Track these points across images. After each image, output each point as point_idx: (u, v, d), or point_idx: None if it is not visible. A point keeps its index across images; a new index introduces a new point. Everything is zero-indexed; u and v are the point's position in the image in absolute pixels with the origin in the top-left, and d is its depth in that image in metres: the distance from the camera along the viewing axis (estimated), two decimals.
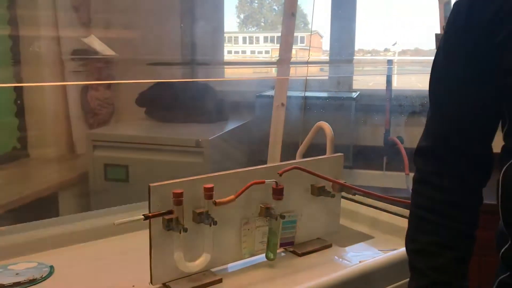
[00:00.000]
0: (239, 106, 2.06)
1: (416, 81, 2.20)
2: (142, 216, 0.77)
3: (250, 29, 2.64)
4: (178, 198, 0.79)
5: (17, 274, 0.89)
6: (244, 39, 2.59)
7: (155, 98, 1.94)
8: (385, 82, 1.88)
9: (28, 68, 1.86)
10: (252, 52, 2.58)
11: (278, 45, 2.54)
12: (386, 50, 2.22)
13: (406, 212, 1.12)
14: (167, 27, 2.21)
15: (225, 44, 2.36)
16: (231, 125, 1.88)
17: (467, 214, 0.71)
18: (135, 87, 2.10)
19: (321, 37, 2.24)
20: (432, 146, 0.72)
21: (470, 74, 0.67)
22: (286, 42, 1.33)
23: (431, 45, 2.21)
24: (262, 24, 2.69)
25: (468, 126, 0.70)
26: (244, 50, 2.58)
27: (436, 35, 0.92)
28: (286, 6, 1.33)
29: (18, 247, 0.97)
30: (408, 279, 0.92)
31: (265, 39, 2.62)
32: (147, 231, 1.05)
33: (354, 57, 2.11)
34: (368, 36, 2.16)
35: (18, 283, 0.86)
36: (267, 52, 2.56)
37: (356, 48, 2.13)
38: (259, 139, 1.77)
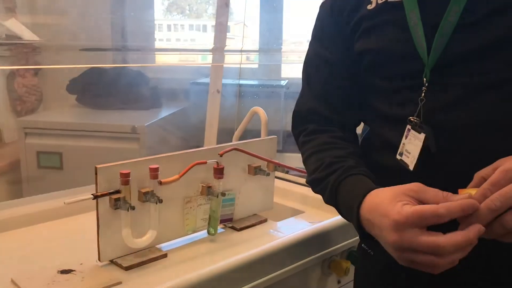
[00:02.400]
0: (173, 93, 2.10)
1: None
2: (91, 196, 0.80)
3: (174, 16, 2.65)
4: (125, 178, 0.84)
5: None
6: (169, 26, 2.60)
7: (87, 85, 1.93)
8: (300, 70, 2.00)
9: None
10: (177, 40, 2.60)
11: (204, 33, 2.58)
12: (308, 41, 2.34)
13: None
14: (96, 13, 2.19)
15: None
16: (166, 112, 1.92)
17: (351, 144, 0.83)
18: (64, 74, 2.07)
19: (247, 26, 2.32)
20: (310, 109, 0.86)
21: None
22: (221, 31, 1.39)
23: None
24: (187, 11, 2.71)
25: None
26: (169, 38, 2.59)
27: None
28: None
29: None
30: (335, 247, 1.04)
31: (190, 27, 2.64)
32: (90, 213, 1.08)
33: (282, 47, 2.21)
34: (293, 26, 2.27)
35: None
36: (192, 40, 2.58)
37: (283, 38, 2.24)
38: (194, 125, 1.83)
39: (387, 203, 0.62)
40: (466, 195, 0.60)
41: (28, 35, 2.03)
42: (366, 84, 0.79)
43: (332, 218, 1.06)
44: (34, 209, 1.05)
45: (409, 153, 0.71)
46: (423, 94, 0.69)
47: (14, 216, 1.03)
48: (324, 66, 0.84)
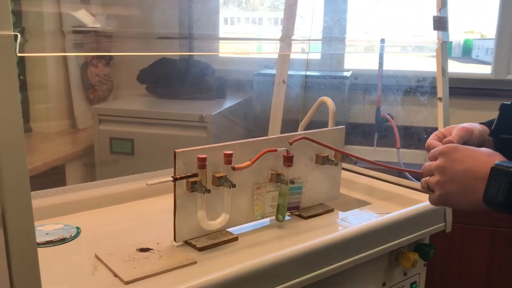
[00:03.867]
0: (237, 84, 2.14)
1: (396, 60, 2.27)
2: (171, 178, 0.84)
3: (231, 9, 2.68)
4: (202, 163, 0.88)
5: (47, 234, 0.97)
6: (225, 20, 2.63)
7: (157, 75, 2.00)
8: (365, 61, 1.96)
9: (30, 44, 1.90)
10: (234, 33, 2.62)
11: (260, 26, 2.59)
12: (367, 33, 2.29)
13: (401, 180, 1.23)
14: (165, 6, 2.26)
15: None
16: (230, 102, 1.96)
17: None
18: (134, 64, 2.16)
19: (302, 17, 2.31)
20: None
21: None
22: (289, 20, 1.40)
23: (414, 27, 2.30)
24: (244, 4, 2.73)
25: None
26: (226, 31, 2.62)
27: (434, 17, 1.01)
28: None
29: (43, 211, 1.04)
30: (403, 239, 1.03)
31: (247, 20, 2.65)
32: (164, 197, 1.14)
33: (346, 35, 2.19)
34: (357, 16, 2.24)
35: (51, 241, 0.94)
36: (245, 33, 2.60)
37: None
38: (258, 116, 1.86)
39: None
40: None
41: (96, 25, 2.12)
42: None
43: (400, 210, 1.05)
44: (113, 191, 1.12)
45: None
46: None
47: (95, 196, 1.09)
48: None
